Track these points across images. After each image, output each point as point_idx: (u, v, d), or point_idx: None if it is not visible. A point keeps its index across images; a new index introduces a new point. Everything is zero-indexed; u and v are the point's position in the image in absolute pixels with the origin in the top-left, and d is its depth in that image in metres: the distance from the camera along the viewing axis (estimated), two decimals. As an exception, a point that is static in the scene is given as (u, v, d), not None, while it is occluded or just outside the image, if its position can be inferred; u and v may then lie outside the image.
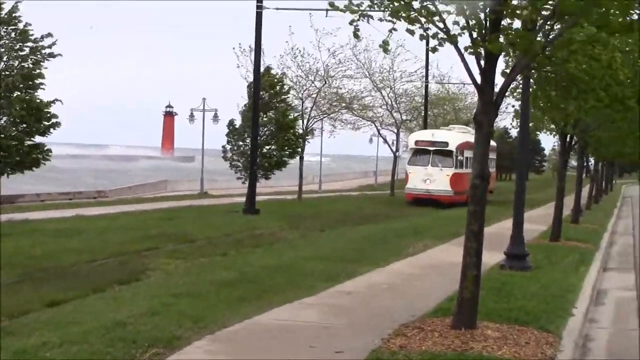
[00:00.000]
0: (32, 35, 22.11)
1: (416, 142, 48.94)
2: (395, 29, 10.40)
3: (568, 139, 25.77)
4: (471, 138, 49.62)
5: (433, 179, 47.15)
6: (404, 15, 10.07)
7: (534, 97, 19.12)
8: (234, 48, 43.32)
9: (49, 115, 22.59)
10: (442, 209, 42.12)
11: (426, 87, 58.30)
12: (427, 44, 49.13)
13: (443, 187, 46.99)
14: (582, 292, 15.79)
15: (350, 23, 10.35)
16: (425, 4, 10.06)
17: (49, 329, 10.86)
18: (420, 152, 48.28)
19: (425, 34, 10.31)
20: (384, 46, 10.56)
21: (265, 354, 9.96)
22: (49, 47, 22.16)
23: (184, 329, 10.80)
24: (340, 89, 50.34)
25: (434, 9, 10.07)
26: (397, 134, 61.83)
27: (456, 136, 49.84)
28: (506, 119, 64.01)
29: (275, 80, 41.74)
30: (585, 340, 12.54)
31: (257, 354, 9.96)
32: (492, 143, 56.02)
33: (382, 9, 10.33)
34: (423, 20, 10.15)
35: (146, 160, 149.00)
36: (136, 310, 11.99)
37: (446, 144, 47.99)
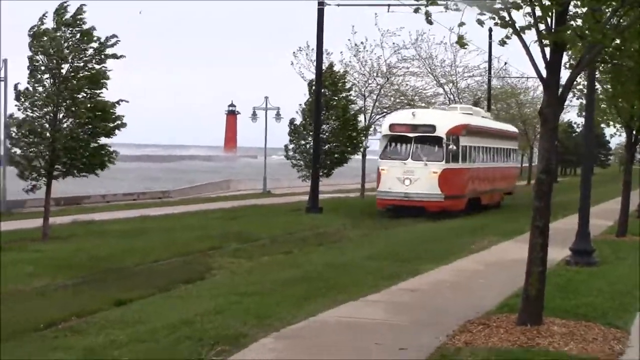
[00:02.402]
0: (95, 37, 22.33)
1: (391, 127, 34.89)
2: (464, 23, 10.30)
3: (635, 132, 25.32)
4: (474, 120, 40.36)
5: (415, 178, 33.38)
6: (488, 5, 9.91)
7: (612, 92, 18.74)
8: (294, 52, 43.64)
9: (114, 116, 22.78)
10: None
11: (489, 80, 57.49)
12: (490, 37, 48.84)
13: (429, 189, 33.31)
14: (650, 287, 15.52)
15: (415, 11, 10.28)
16: None
17: (117, 327, 11.02)
18: (397, 140, 34.81)
19: (499, 22, 10.16)
20: (460, 41, 10.46)
21: (330, 351, 9.97)
22: (112, 46, 22.36)
23: (250, 327, 10.86)
24: (402, 85, 49.58)
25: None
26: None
27: (448, 117, 36.74)
28: (570, 113, 62.89)
29: (338, 77, 41.59)
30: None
31: (322, 351, 9.97)
32: (513, 129, 51.25)
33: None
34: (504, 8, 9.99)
35: (207, 160, 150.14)
36: (202, 309, 12.10)
37: (433, 127, 34.13)
